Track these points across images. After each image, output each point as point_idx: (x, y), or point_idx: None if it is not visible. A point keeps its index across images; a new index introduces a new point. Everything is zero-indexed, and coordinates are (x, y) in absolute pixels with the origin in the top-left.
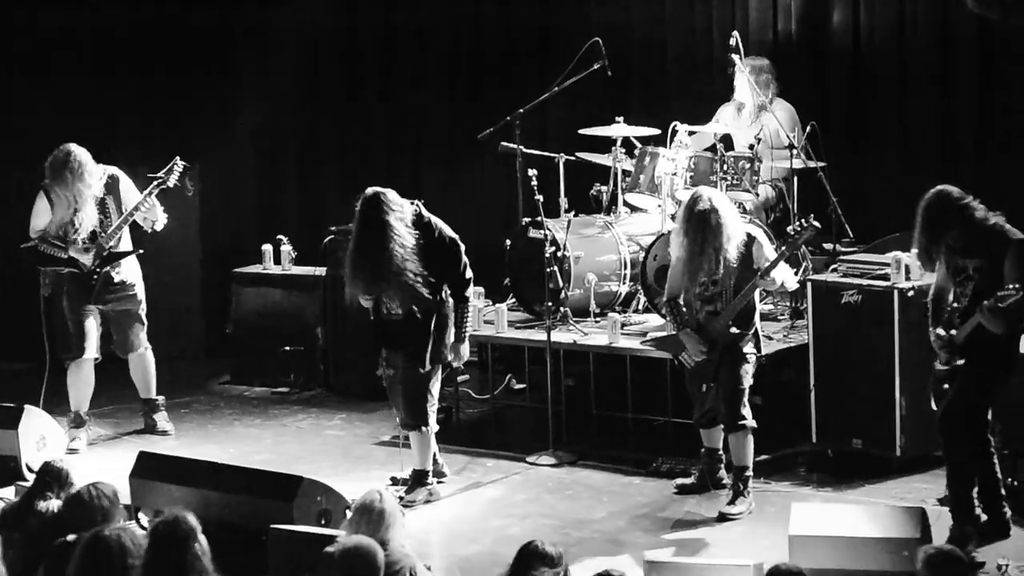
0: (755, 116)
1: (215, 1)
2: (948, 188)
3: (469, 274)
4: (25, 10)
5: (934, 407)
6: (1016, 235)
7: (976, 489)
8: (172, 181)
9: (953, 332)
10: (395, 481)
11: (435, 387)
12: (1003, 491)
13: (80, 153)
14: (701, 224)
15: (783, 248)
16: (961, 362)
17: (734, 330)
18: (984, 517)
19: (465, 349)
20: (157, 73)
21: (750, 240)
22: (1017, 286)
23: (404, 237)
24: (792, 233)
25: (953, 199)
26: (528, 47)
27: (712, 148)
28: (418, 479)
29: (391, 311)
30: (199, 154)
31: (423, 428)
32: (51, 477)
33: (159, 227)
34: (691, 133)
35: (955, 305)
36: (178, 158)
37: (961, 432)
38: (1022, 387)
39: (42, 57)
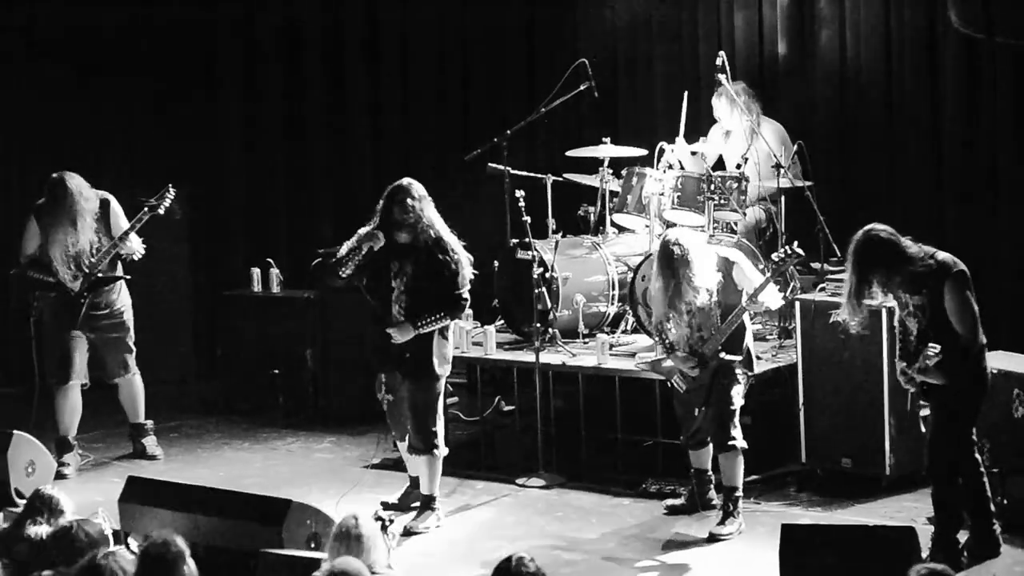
0: (748, 139)
1: (202, 18)
2: (877, 228)
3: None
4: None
5: (924, 430)
6: (955, 267)
7: (961, 531)
8: (164, 208)
9: (917, 366)
10: (386, 506)
11: (441, 408)
12: (993, 508)
13: (75, 180)
14: (670, 269)
15: (767, 275)
16: (925, 408)
17: (724, 355)
18: (966, 554)
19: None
20: (143, 95)
21: (729, 264)
22: (937, 348)
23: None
24: (776, 260)
25: (881, 239)
26: (515, 67)
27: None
28: (427, 504)
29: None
30: (187, 177)
31: (434, 452)
32: (42, 504)
33: (137, 257)
34: (694, 153)
35: (911, 339)
36: (170, 186)
37: (951, 474)
38: (1008, 405)
39: (25, 81)
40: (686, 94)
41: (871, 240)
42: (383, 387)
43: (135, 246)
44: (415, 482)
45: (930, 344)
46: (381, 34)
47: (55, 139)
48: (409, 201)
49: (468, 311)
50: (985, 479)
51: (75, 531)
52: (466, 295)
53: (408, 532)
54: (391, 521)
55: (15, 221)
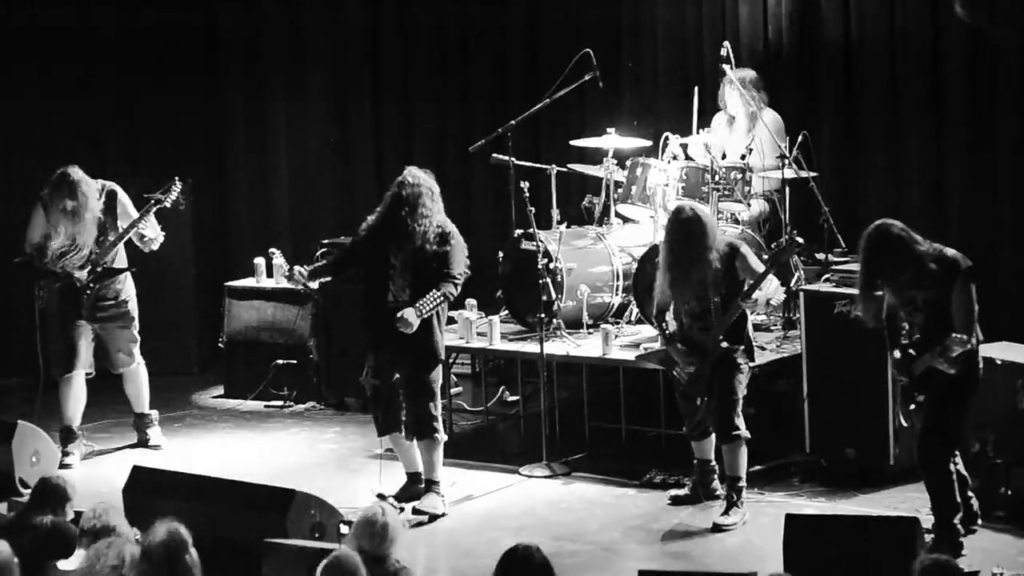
0: (750, 127)
1: (203, 14)
2: (888, 222)
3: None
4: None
5: (903, 423)
6: (963, 264)
7: (960, 516)
8: (170, 201)
9: (911, 351)
10: (382, 498)
11: (438, 391)
12: (969, 481)
13: (78, 174)
14: (682, 235)
15: (767, 266)
16: (921, 398)
17: (725, 345)
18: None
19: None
20: (144, 86)
21: (733, 252)
22: (965, 337)
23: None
24: (776, 249)
25: (893, 234)
26: (518, 58)
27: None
28: (429, 487)
29: (398, 297)
30: (191, 168)
31: (435, 436)
32: (49, 492)
33: (155, 246)
34: (707, 145)
35: (907, 329)
36: (176, 178)
37: (942, 463)
38: (1012, 396)
39: (27, 74)
40: (696, 89)
41: (882, 235)
42: (370, 371)
43: (155, 232)
44: (413, 478)
45: (957, 335)
46: (381, 26)
47: (55, 139)
48: (421, 210)
49: (472, 301)
50: (959, 459)
51: (106, 516)
52: (458, 275)
53: (414, 511)
54: (401, 510)
55: (15, 221)
